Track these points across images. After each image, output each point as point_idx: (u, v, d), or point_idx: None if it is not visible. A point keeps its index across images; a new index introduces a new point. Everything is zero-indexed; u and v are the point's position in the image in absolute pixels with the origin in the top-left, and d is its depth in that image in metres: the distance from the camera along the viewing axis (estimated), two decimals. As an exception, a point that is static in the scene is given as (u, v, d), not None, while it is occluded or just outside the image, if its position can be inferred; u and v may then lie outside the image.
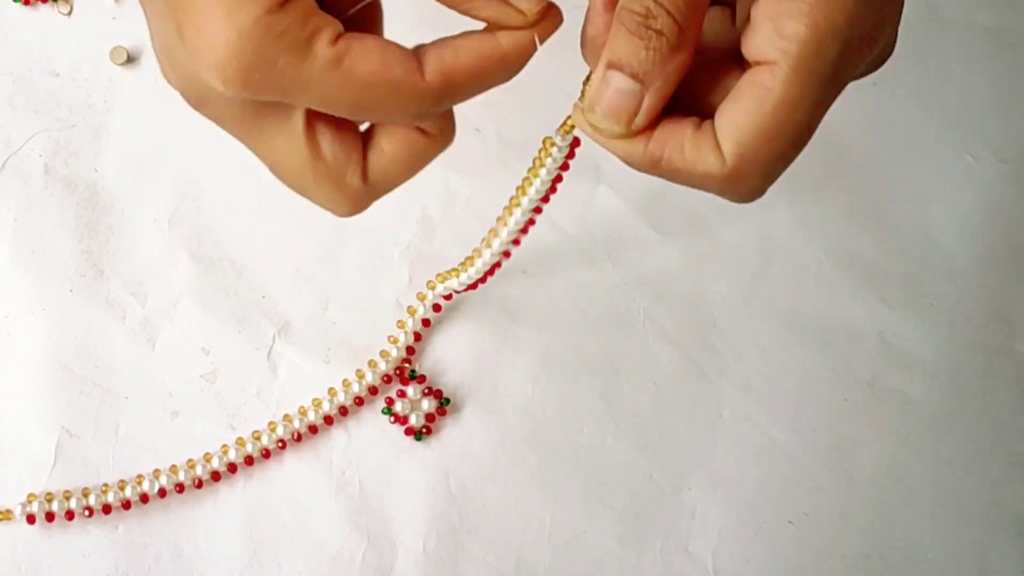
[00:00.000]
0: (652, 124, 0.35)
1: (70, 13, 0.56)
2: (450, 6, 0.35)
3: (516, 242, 0.47)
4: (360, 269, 0.55)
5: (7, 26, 0.56)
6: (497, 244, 0.47)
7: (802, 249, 0.57)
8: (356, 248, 0.55)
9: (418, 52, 0.34)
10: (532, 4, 0.35)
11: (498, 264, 0.49)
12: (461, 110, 0.59)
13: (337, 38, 0.33)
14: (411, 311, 0.54)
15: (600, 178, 0.57)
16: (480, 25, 0.37)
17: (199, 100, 0.35)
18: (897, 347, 0.57)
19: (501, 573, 0.51)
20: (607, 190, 0.57)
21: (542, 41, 0.35)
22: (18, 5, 0.56)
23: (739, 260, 0.57)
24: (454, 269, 0.51)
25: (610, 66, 0.34)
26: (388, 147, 0.36)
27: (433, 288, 0.53)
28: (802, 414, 0.55)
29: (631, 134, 0.35)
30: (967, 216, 0.59)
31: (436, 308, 0.54)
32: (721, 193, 0.35)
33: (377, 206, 0.56)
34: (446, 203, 0.56)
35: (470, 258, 0.49)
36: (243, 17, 0.32)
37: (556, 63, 0.59)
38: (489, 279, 0.52)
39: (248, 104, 0.34)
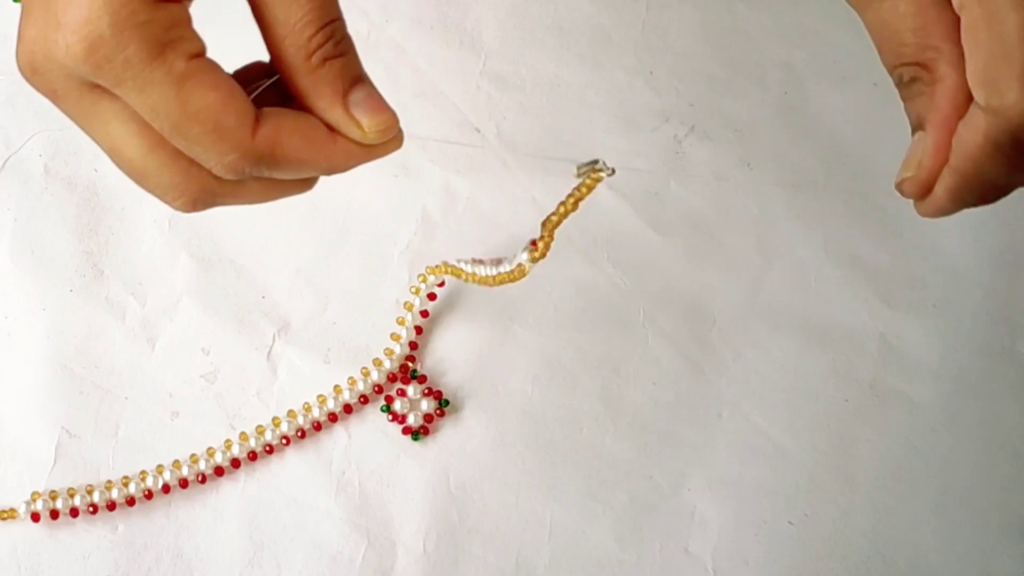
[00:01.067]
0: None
1: (70, 13, 0.56)
2: (298, 97, 0.35)
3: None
4: (360, 269, 0.55)
5: (7, 26, 0.56)
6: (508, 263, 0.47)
7: (802, 249, 0.57)
8: (356, 248, 0.55)
9: (262, 112, 0.34)
10: (373, 123, 0.35)
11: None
12: (460, 110, 0.60)
13: (195, 57, 0.32)
14: (408, 306, 0.54)
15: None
16: None
17: (33, 68, 0.33)
18: (898, 348, 0.57)
19: (501, 573, 0.51)
20: (607, 190, 0.57)
21: (373, 158, 0.36)
22: (18, 5, 0.56)
23: (739, 260, 0.57)
24: (452, 267, 0.51)
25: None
26: (281, 122, 0.35)
27: (424, 281, 0.53)
28: (802, 414, 0.55)
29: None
30: (969, 216, 0.59)
31: (431, 297, 0.54)
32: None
33: (377, 206, 0.56)
34: (446, 203, 0.56)
35: (480, 261, 0.49)
36: (108, 3, 0.31)
37: (556, 63, 0.60)
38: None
39: (85, 83, 0.33)
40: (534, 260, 0.42)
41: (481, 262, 0.48)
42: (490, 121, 0.57)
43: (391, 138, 0.35)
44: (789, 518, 0.54)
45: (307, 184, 0.38)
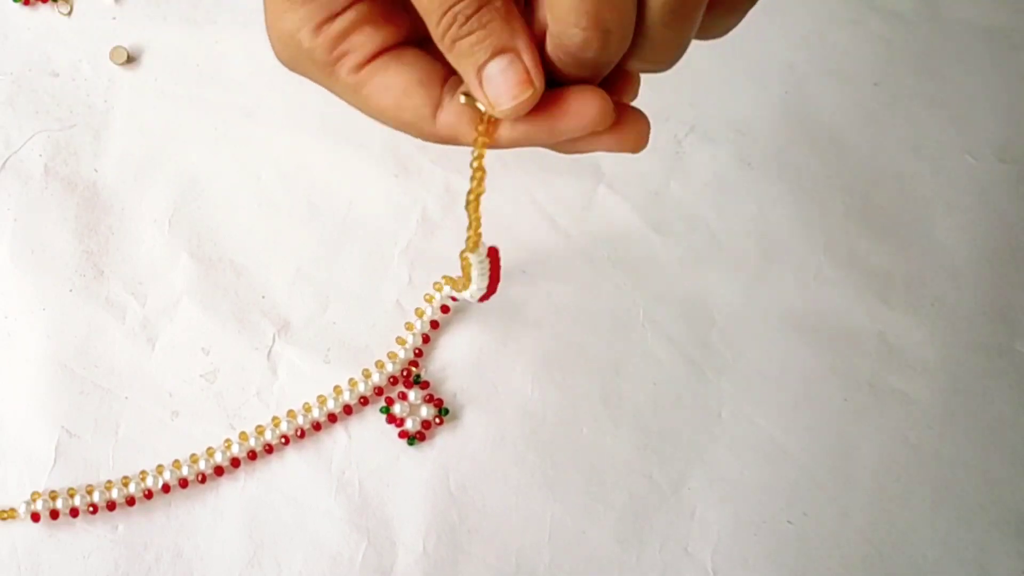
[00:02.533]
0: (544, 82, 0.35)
1: (70, 13, 0.56)
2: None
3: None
4: (360, 269, 0.55)
5: (7, 26, 0.56)
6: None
7: (801, 249, 0.57)
8: (356, 248, 0.55)
9: (443, 91, 0.35)
10: (499, 98, 0.34)
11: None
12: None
13: (367, 62, 0.35)
14: (419, 312, 0.54)
15: (600, 178, 0.57)
16: None
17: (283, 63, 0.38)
18: (897, 347, 0.57)
19: (501, 573, 0.51)
20: (607, 190, 0.57)
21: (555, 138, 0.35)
22: (18, 5, 0.56)
23: (739, 260, 0.57)
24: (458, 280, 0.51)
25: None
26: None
27: (440, 290, 0.53)
28: (802, 414, 0.55)
29: (538, 96, 0.34)
30: (968, 216, 0.59)
31: (444, 309, 0.54)
32: (419, 137, 0.36)
33: (377, 206, 0.56)
34: (446, 203, 0.56)
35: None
36: (284, 27, 0.35)
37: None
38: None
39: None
40: (466, 253, 0.41)
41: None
42: (490, 121, 0.57)
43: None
44: (789, 518, 0.54)
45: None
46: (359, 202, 0.56)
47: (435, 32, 0.33)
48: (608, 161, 0.57)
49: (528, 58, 0.33)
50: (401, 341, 0.53)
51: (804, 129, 0.59)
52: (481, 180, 0.40)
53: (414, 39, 0.37)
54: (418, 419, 0.53)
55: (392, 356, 0.53)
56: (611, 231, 0.57)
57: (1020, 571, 0.54)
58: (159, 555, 0.50)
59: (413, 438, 0.52)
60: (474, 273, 0.46)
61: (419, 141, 0.56)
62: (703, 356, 0.55)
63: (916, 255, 0.58)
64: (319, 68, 0.36)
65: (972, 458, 0.56)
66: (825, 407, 0.55)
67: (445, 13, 0.33)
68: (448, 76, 0.36)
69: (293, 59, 0.36)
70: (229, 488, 0.51)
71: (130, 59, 0.56)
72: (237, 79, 0.56)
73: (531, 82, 0.33)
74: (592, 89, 0.34)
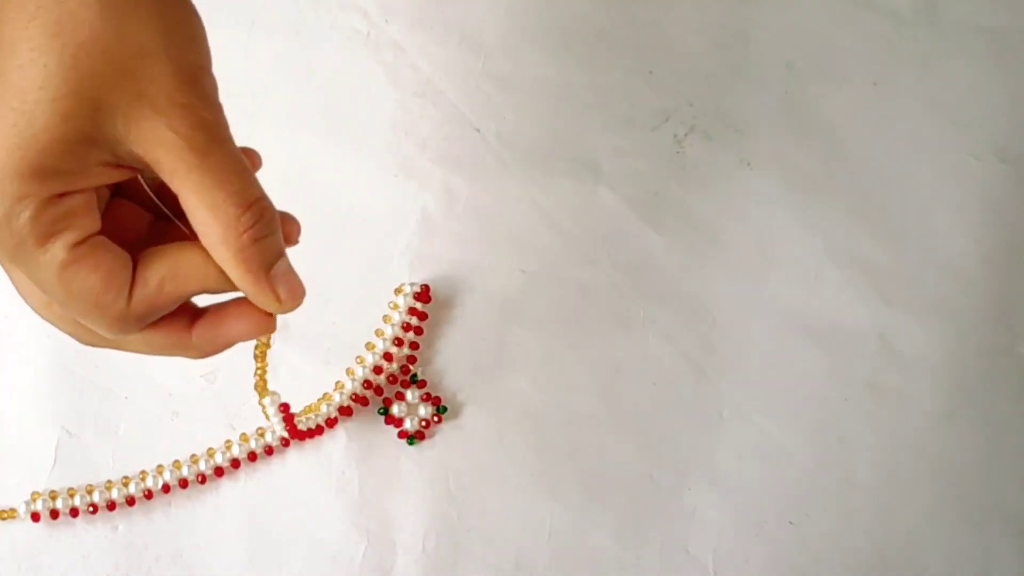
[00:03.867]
0: None
1: (70, 13, 0.56)
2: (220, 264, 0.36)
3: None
4: (360, 269, 0.55)
5: (7, 26, 0.56)
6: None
7: (802, 249, 0.57)
8: (356, 248, 0.55)
9: (140, 268, 0.36)
10: (290, 296, 0.37)
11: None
12: (460, 110, 0.60)
13: (80, 244, 0.35)
14: (393, 306, 0.54)
15: (600, 178, 0.57)
16: None
17: None
18: (898, 347, 0.56)
19: (501, 573, 0.51)
20: (607, 190, 0.57)
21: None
22: (18, 5, 0.56)
23: (739, 260, 0.57)
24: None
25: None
26: (152, 277, 0.37)
27: (400, 293, 0.54)
28: (802, 414, 0.55)
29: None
30: (968, 217, 0.59)
31: (423, 297, 0.54)
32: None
33: (377, 206, 0.56)
34: (446, 203, 0.56)
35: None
36: (10, 185, 0.33)
37: (556, 63, 0.59)
38: (485, 284, 0.52)
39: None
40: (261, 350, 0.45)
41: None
42: (490, 121, 0.57)
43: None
44: (789, 518, 0.54)
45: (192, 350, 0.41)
46: (359, 202, 0.56)
47: (229, 244, 0.35)
48: (608, 161, 0.57)
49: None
50: (379, 333, 0.53)
51: (804, 129, 0.59)
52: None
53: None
54: (416, 418, 0.52)
55: (371, 347, 0.53)
56: (611, 231, 0.57)
57: (1021, 571, 0.54)
58: (159, 555, 0.50)
59: (412, 437, 0.52)
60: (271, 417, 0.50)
61: (419, 141, 0.57)
62: (703, 356, 0.55)
63: (916, 255, 0.58)
64: (34, 238, 0.34)
65: (973, 458, 0.55)
66: (826, 407, 0.55)
67: (241, 214, 0.35)
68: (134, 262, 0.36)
69: (4, 233, 0.34)
70: (229, 488, 0.51)
71: (130, 59, 0.56)
72: (237, 79, 0.56)
73: (301, 282, 0.37)
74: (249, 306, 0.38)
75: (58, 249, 0.34)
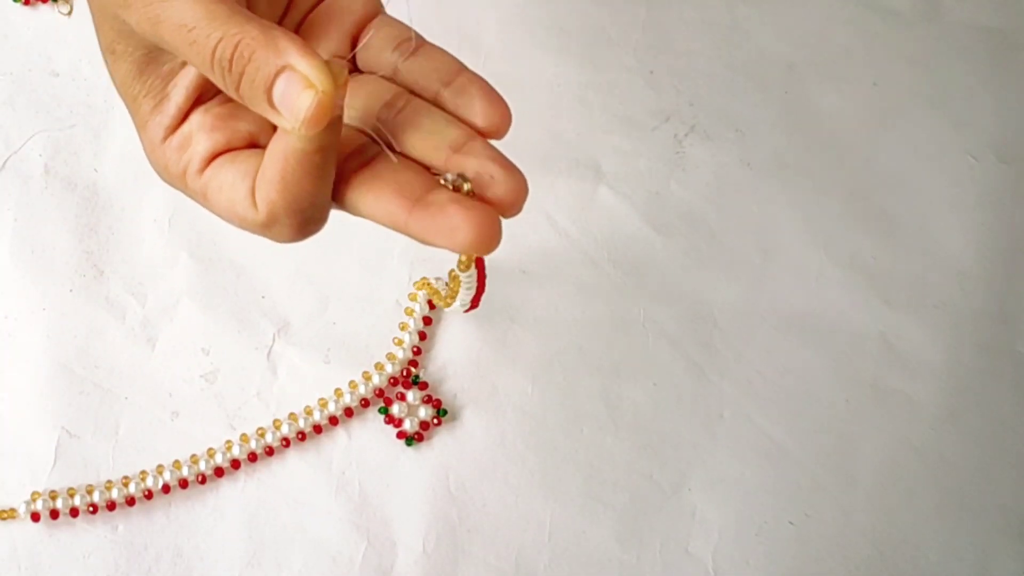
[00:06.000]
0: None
1: (70, 13, 0.57)
2: None
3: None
4: (360, 269, 0.55)
5: (7, 26, 0.56)
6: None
7: (802, 249, 0.57)
8: (356, 248, 0.55)
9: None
10: (292, 114, 0.33)
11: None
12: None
13: (205, 166, 0.36)
14: (409, 312, 0.54)
15: (600, 178, 0.57)
16: None
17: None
18: (899, 348, 0.57)
19: (501, 573, 0.51)
20: (607, 190, 0.57)
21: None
22: (18, 5, 0.56)
23: (739, 260, 0.57)
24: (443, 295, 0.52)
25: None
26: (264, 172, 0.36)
27: (421, 288, 0.53)
28: (803, 414, 0.55)
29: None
30: (969, 217, 0.59)
31: (430, 305, 0.54)
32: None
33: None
34: (446, 203, 0.56)
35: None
36: (145, 146, 0.37)
37: (556, 63, 0.59)
38: (488, 282, 0.52)
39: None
40: (464, 267, 0.42)
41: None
42: (490, 121, 0.57)
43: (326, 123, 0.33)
44: (790, 518, 0.54)
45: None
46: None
47: (221, 86, 0.34)
48: (608, 161, 0.57)
49: (305, 64, 0.32)
50: (399, 342, 0.53)
51: (804, 129, 0.59)
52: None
53: (255, 139, 0.37)
54: (416, 420, 0.52)
55: (391, 357, 0.53)
56: (611, 231, 0.57)
57: (1021, 572, 0.54)
58: (159, 555, 0.50)
59: (411, 439, 0.52)
60: (461, 289, 0.47)
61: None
62: (704, 356, 0.55)
63: (917, 255, 0.58)
64: (177, 180, 0.37)
65: (973, 459, 0.55)
66: (826, 408, 0.55)
67: (212, 66, 0.33)
68: None
69: (164, 176, 0.38)
70: (229, 488, 0.51)
71: (130, 59, 0.56)
72: (237, 79, 0.56)
73: (311, 85, 0.32)
74: (479, 210, 0.34)
75: (192, 179, 0.36)
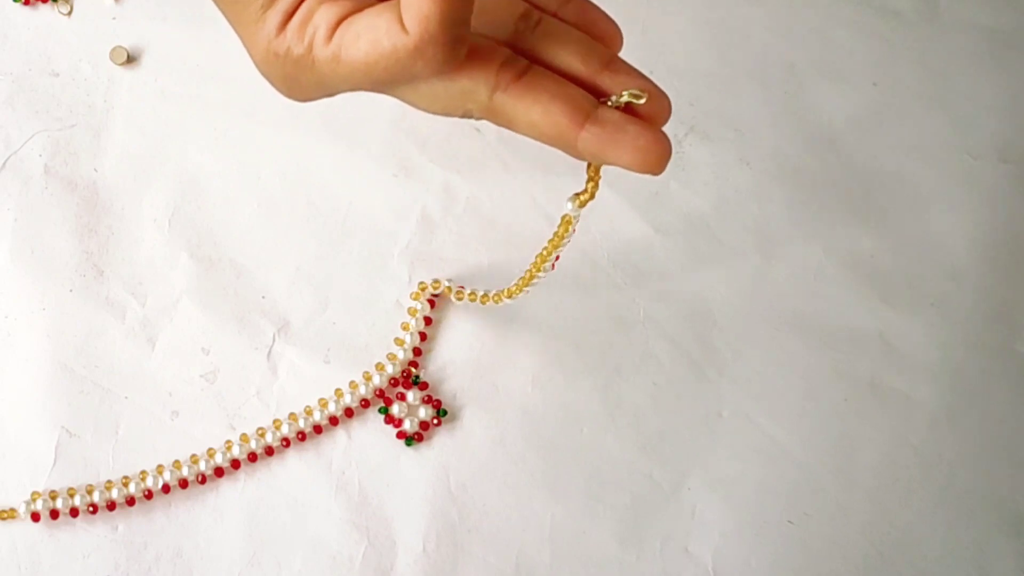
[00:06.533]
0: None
1: (70, 13, 0.56)
2: None
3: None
4: (360, 269, 0.55)
5: (7, 26, 0.56)
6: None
7: (802, 249, 0.57)
8: (356, 248, 0.55)
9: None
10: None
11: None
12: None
13: (333, 31, 0.35)
14: (412, 312, 0.54)
15: (600, 178, 0.57)
16: None
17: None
18: (898, 347, 0.57)
19: (501, 573, 0.51)
20: (607, 190, 0.57)
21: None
22: (18, 5, 0.56)
23: (739, 260, 0.57)
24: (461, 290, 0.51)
25: None
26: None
27: (424, 289, 0.53)
28: (802, 414, 0.55)
29: None
30: (969, 216, 0.59)
31: (431, 304, 0.54)
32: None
33: (377, 206, 0.56)
34: (446, 203, 0.56)
35: (499, 293, 0.50)
36: (257, 50, 0.37)
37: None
38: (485, 284, 0.52)
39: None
40: (582, 204, 0.40)
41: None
42: (490, 121, 0.57)
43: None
44: (789, 518, 0.54)
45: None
46: (359, 202, 0.56)
47: None
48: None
49: None
50: (399, 342, 0.53)
51: (804, 129, 0.59)
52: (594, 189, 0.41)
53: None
54: (416, 420, 0.53)
55: (392, 357, 0.53)
56: (611, 231, 0.57)
57: (1019, 571, 0.54)
58: (159, 555, 0.50)
59: (411, 439, 0.52)
60: (533, 283, 0.47)
61: (419, 141, 0.57)
62: (703, 356, 0.55)
63: (916, 255, 0.58)
64: (303, 64, 0.36)
65: (972, 458, 0.56)
66: (825, 407, 0.55)
67: None
68: None
69: (284, 75, 0.37)
70: (229, 488, 0.51)
71: (130, 59, 0.56)
72: (237, 79, 0.56)
73: None
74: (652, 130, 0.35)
75: (320, 49, 0.35)
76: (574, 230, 0.43)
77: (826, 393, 0.56)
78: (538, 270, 0.46)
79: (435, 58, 0.34)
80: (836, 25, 0.61)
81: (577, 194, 0.40)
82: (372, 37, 0.34)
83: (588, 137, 0.36)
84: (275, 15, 0.36)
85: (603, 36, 0.38)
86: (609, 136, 0.35)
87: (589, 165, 0.39)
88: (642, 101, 0.36)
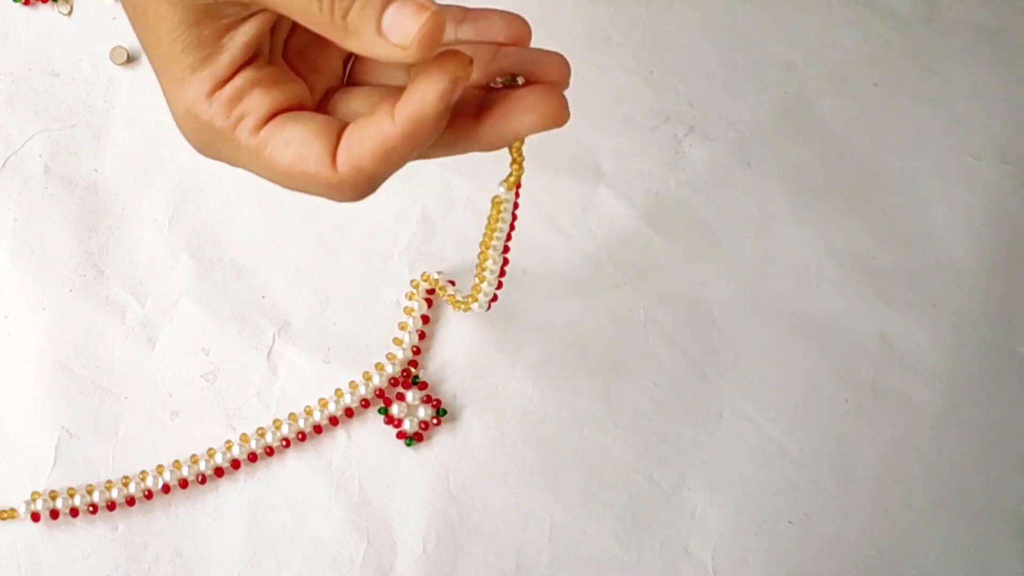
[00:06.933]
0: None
1: (70, 13, 0.57)
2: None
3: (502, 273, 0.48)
4: (360, 269, 0.55)
5: (7, 26, 0.56)
6: (485, 287, 0.48)
7: (802, 249, 0.57)
8: (356, 248, 0.55)
9: (339, 140, 0.35)
10: (402, 37, 0.33)
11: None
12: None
13: (264, 123, 0.35)
14: (408, 311, 0.54)
15: (600, 178, 0.57)
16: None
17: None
18: (898, 347, 0.57)
19: (501, 573, 0.51)
20: (607, 190, 0.57)
21: (452, 86, 0.34)
22: (18, 5, 0.56)
23: (739, 260, 0.57)
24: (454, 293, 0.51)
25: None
26: (352, 134, 0.36)
27: (418, 287, 0.53)
28: (802, 414, 0.55)
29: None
30: (969, 217, 0.59)
31: (428, 303, 0.54)
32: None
33: (377, 206, 0.56)
34: (446, 203, 0.56)
35: (471, 295, 0.49)
36: (177, 106, 0.36)
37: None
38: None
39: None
40: (511, 186, 0.41)
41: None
42: (490, 121, 0.57)
43: (431, 32, 0.33)
44: (789, 518, 0.54)
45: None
46: (359, 202, 0.56)
47: (322, 25, 0.34)
48: (608, 161, 0.57)
49: None
50: (398, 341, 0.53)
51: (804, 129, 0.59)
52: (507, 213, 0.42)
53: (304, 104, 0.37)
54: (416, 420, 0.52)
55: (391, 357, 0.53)
56: (611, 231, 0.57)
57: (1020, 572, 0.54)
58: (159, 555, 0.50)
59: (411, 439, 0.52)
60: (487, 278, 0.47)
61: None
62: (703, 356, 0.55)
63: (917, 255, 0.58)
64: (222, 137, 0.36)
65: (973, 459, 0.56)
66: (826, 407, 0.55)
67: (320, 1, 0.33)
68: (342, 128, 0.36)
69: (200, 137, 0.36)
70: (229, 488, 0.51)
71: (130, 59, 0.56)
72: (237, 79, 0.56)
73: (426, 6, 0.33)
74: (543, 87, 0.36)
75: (247, 139, 0.35)
76: (515, 216, 0.43)
77: (826, 393, 0.56)
78: (486, 259, 0.46)
79: (350, 197, 0.36)
80: (836, 25, 0.61)
81: (504, 179, 0.41)
82: (301, 153, 0.35)
83: (486, 127, 0.37)
84: (203, 81, 0.36)
85: (502, 31, 0.37)
86: (503, 112, 0.36)
87: (510, 147, 0.39)
88: (519, 80, 0.37)
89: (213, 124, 0.36)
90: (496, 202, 0.43)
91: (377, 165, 0.35)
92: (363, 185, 0.35)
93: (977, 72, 0.61)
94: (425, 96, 0.34)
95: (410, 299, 0.54)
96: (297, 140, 0.35)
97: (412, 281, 0.54)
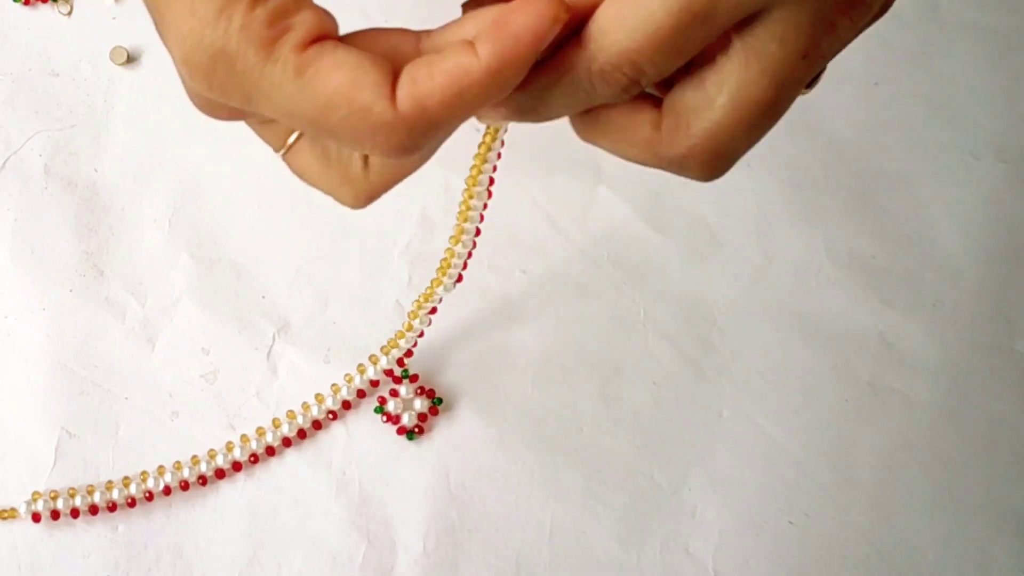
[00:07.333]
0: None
1: (70, 13, 0.56)
2: None
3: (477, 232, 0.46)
4: (360, 269, 0.55)
5: (7, 26, 0.56)
6: (465, 239, 0.46)
7: (802, 249, 0.57)
8: (356, 248, 0.55)
9: (400, 72, 0.30)
10: None
11: (469, 254, 0.47)
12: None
13: (310, 43, 0.29)
14: (412, 315, 0.53)
15: (600, 178, 0.57)
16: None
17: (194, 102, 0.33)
18: (898, 347, 0.57)
19: (501, 573, 0.51)
20: (607, 190, 0.57)
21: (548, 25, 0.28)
22: (18, 5, 0.56)
23: (739, 260, 0.57)
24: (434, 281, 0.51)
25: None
26: (421, 67, 0.30)
27: (419, 307, 0.53)
28: (802, 414, 0.55)
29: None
30: (968, 216, 0.59)
31: (432, 311, 0.54)
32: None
33: (377, 206, 0.56)
34: (446, 203, 0.56)
35: (445, 260, 0.48)
36: (205, 6, 0.29)
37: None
38: (485, 284, 0.52)
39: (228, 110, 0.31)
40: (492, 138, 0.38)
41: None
42: (490, 121, 0.57)
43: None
44: (789, 518, 0.54)
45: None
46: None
47: None
48: (608, 161, 0.57)
49: None
50: (400, 335, 0.53)
51: (804, 129, 0.59)
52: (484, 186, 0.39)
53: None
54: (413, 413, 0.52)
55: (386, 350, 0.52)
56: (611, 231, 0.57)
57: (1019, 571, 0.54)
58: (159, 555, 0.50)
59: (412, 432, 0.52)
60: (454, 258, 0.46)
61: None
62: (703, 356, 0.55)
63: (916, 255, 0.58)
64: (254, 49, 0.29)
65: (972, 458, 0.56)
66: (825, 407, 0.55)
67: None
68: (398, 72, 0.30)
69: (214, 59, 0.29)
70: (229, 488, 0.51)
71: (130, 59, 0.56)
72: (237, 79, 0.56)
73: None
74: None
75: (287, 50, 0.29)
76: (503, 142, 0.40)
77: (826, 393, 0.56)
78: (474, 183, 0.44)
79: (397, 146, 0.30)
80: (836, 25, 0.61)
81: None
82: (354, 79, 0.29)
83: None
84: None
85: None
86: (500, 26, 0.29)
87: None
88: None
89: (250, 28, 0.29)
90: (492, 130, 0.39)
91: (446, 107, 0.29)
92: (420, 130, 0.29)
93: (977, 72, 0.61)
94: (527, 24, 0.28)
95: (413, 317, 0.53)
96: (352, 64, 0.29)
97: (415, 303, 0.53)
